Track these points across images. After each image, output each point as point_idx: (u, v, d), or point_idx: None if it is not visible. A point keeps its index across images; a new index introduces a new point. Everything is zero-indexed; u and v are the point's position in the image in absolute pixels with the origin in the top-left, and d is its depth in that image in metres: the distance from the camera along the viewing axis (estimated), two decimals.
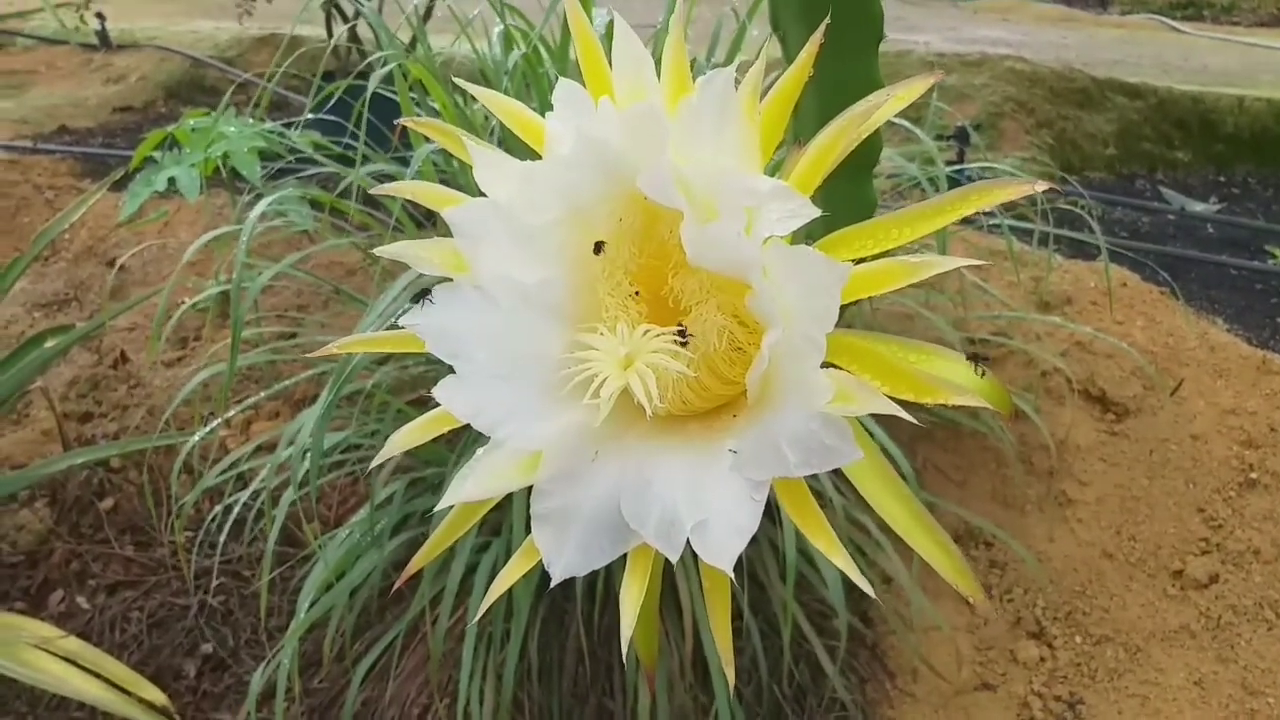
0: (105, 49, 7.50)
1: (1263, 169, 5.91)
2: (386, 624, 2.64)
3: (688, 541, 0.73)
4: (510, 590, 0.83)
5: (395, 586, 0.86)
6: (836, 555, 0.72)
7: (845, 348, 0.79)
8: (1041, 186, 0.76)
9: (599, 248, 0.85)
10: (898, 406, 0.68)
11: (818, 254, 0.71)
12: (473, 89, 0.84)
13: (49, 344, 3.27)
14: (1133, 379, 3.07)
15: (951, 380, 0.80)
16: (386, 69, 2.29)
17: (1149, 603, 2.76)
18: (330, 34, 5.24)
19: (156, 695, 2.71)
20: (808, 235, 0.82)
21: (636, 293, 0.86)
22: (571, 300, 0.84)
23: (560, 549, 0.78)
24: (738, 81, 0.77)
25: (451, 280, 0.82)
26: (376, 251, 0.81)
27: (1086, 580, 2.80)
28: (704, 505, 0.74)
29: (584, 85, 0.81)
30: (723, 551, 0.72)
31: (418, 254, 0.82)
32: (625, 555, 0.80)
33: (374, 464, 0.85)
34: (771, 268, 0.73)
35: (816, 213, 0.71)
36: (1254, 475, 2.91)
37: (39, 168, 5.45)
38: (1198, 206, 5.20)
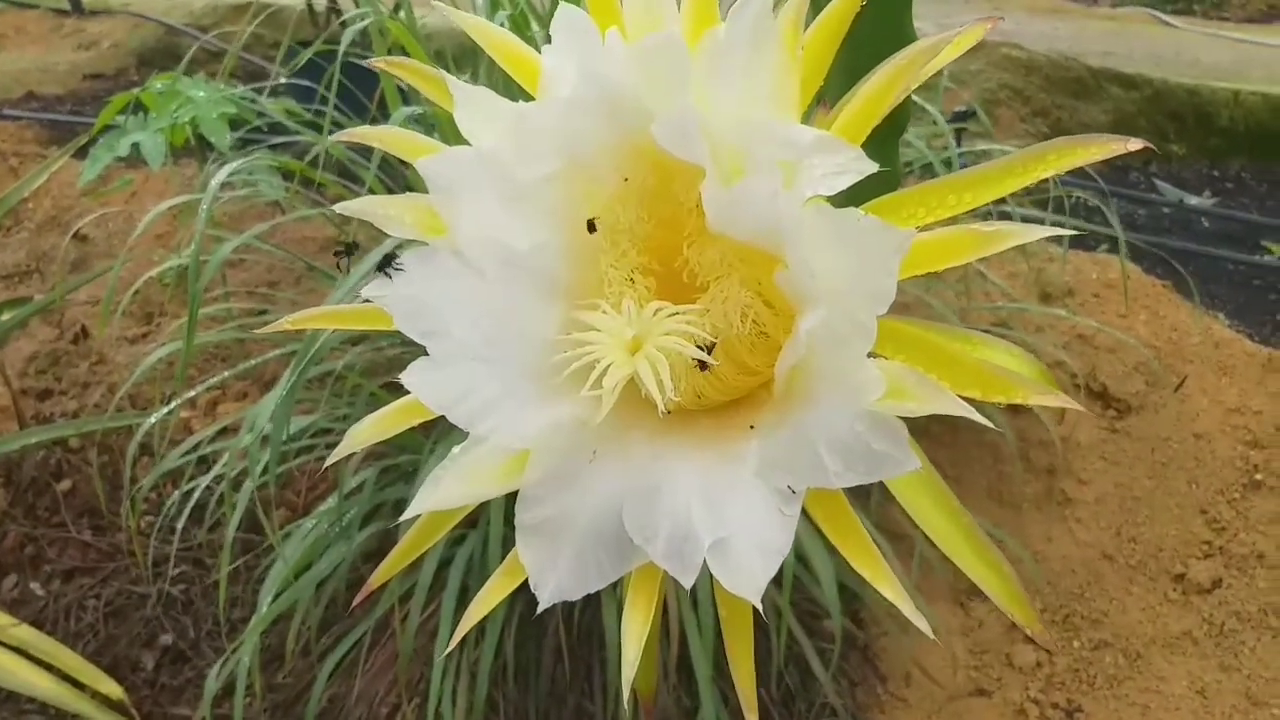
0: (77, 14, 7.26)
1: (1257, 163, 5.83)
2: (355, 618, 2.51)
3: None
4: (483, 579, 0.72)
5: (355, 602, 0.73)
6: (886, 585, 0.60)
7: (889, 334, 0.66)
8: (1136, 144, 0.63)
9: (592, 226, 0.72)
10: (969, 407, 0.56)
11: (871, 218, 0.58)
12: (456, 14, 0.70)
13: (3, 317, 3.12)
14: (1135, 374, 2.98)
15: (1018, 373, 0.68)
16: (360, 25, 2.14)
17: (1150, 607, 2.66)
18: (310, 4, 5.07)
19: (113, 688, 2.57)
20: None
21: (645, 265, 0.73)
22: (569, 271, 0.71)
23: (550, 567, 0.65)
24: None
25: (426, 244, 0.69)
26: (337, 208, 0.68)
27: (1085, 583, 2.71)
28: (724, 519, 0.62)
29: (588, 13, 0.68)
30: (748, 577, 0.59)
31: (386, 212, 0.69)
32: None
33: (332, 459, 0.72)
34: (811, 235, 0.61)
35: (872, 167, 0.58)
36: (1259, 476, 2.82)
37: (3, 134, 5.25)
38: (1194, 200, 5.12)
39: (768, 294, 0.71)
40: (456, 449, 0.67)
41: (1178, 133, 5.91)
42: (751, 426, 0.71)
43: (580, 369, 0.65)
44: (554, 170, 0.68)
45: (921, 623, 0.58)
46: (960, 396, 0.59)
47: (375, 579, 0.75)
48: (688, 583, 0.61)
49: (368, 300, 0.67)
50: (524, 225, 0.69)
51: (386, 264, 0.67)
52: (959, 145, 3.81)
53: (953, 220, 0.71)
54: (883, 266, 0.58)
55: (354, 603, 0.75)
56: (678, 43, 0.63)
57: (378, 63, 0.84)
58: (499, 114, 0.67)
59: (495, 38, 0.71)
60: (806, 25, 0.68)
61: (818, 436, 0.60)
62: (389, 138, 0.72)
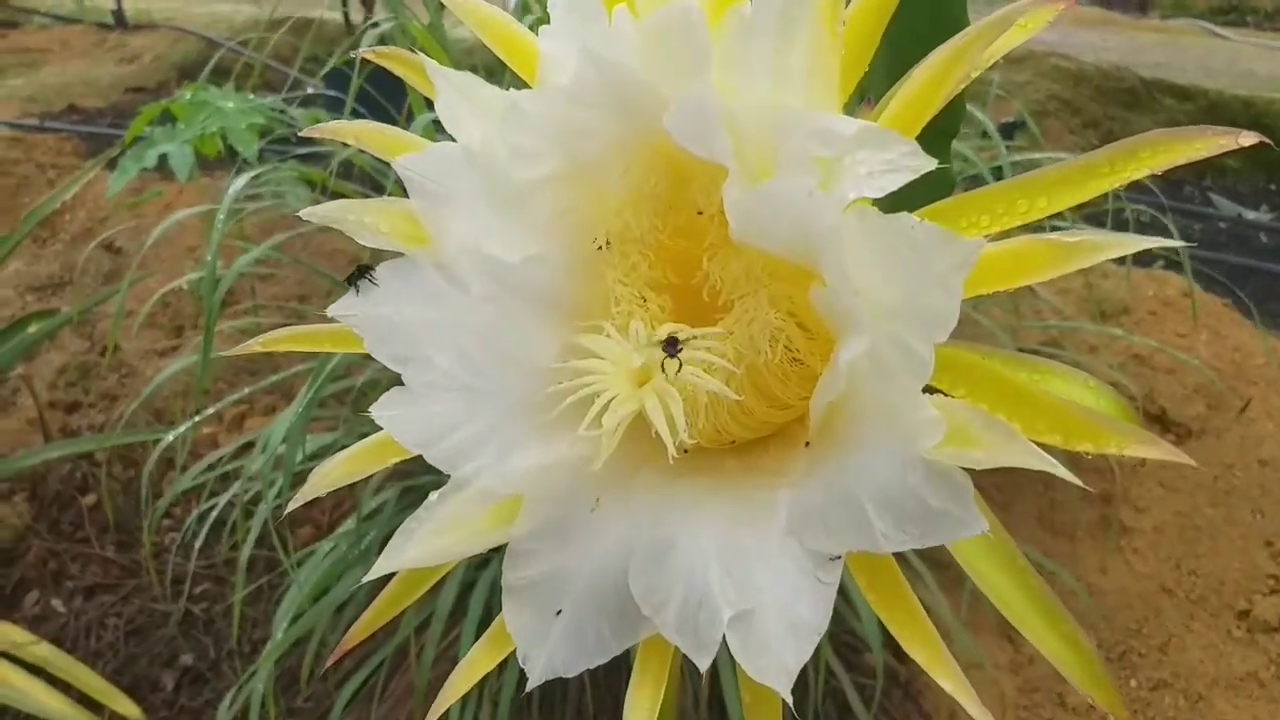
0: (120, 29, 7.34)
1: None
2: (376, 643, 2.42)
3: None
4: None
5: (331, 661, 0.64)
6: (945, 675, 0.49)
7: (944, 362, 0.55)
8: (1249, 138, 0.53)
9: (603, 243, 0.62)
10: (1051, 460, 0.46)
11: (929, 226, 0.48)
12: None
13: (32, 329, 3.08)
14: (1196, 397, 2.82)
15: (1098, 410, 0.57)
16: (378, 31, 2.06)
17: (1212, 645, 2.51)
18: (346, 16, 5.06)
19: (131, 709, 2.51)
20: None
21: (659, 280, 0.63)
22: (569, 287, 0.62)
23: (542, 637, 0.55)
24: None
25: (404, 255, 0.59)
26: (303, 214, 0.58)
27: (1143, 617, 2.56)
28: (748, 587, 0.51)
29: None
30: (776, 660, 0.49)
31: (359, 218, 0.59)
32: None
33: (295, 503, 0.63)
34: (854, 245, 0.50)
35: (929, 164, 0.48)
36: None
37: (43, 146, 5.28)
38: (1251, 214, 4.93)
39: (801, 315, 0.61)
40: (434, 495, 0.57)
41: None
42: (788, 455, 0.61)
43: (580, 403, 0.55)
44: (553, 171, 0.59)
45: None
46: (1036, 443, 0.49)
47: (350, 638, 0.65)
48: (703, 663, 0.50)
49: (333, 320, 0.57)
50: (518, 234, 0.59)
51: (359, 275, 0.58)
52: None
53: (1004, 234, 0.61)
54: (942, 284, 0.47)
55: (329, 661, 0.66)
56: (696, 18, 0.53)
57: (365, 54, 0.75)
58: (488, 104, 0.57)
59: (483, 14, 0.61)
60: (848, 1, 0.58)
61: (862, 489, 0.50)
62: (364, 133, 0.63)
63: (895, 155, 0.49)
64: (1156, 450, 0.47)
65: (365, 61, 2.27)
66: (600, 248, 0.60)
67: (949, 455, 0.48)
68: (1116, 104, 5.40)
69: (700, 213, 0.63)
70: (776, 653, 0.49)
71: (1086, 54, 6.19)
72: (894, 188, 0.49)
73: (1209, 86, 5.84)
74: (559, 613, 0.55)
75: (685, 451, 0.59)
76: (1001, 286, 0.52)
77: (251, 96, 3.11)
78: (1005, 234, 0.61)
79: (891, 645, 2.44)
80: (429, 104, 2.07)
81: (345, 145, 2.40)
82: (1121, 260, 2.93)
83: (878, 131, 0.51)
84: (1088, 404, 0.66)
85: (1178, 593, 2.60)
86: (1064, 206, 0.56)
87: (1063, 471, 0.45)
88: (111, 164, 3.28)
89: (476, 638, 1.96)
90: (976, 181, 2.33)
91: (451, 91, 0.57)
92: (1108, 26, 9.24)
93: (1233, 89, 5.95)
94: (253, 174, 2.04)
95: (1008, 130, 3.81)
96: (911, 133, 0.56)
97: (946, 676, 0.49)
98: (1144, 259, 3.40)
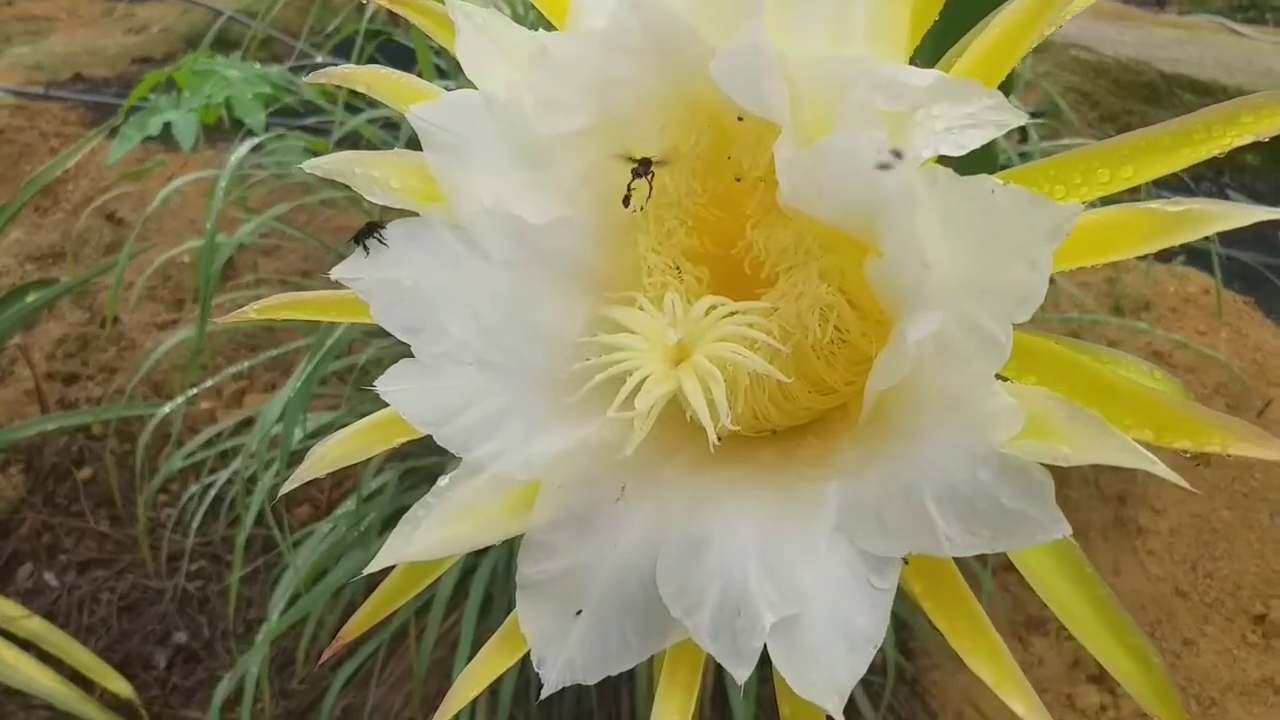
0: None
1: None
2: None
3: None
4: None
5: (326, 656, 0.58)
6: (1016, 695, 0.44)
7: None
8: None
9: (628, 200, 0.56)
10: (1152, 457, 0.40)
11: (1015, 189, 0.42)
12: None
13: (30, 298, 3.03)
14: (1216, 396, 2.77)
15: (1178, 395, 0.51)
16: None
17: (1226, 650, 2.46)
18: None
19: (123, 687, 2.47)
20: None
21: (696, 249, 0.58)
22: (598, 254, 0.56)
23: (560, 639, 0.50)
24: None
25: (417, 215, 0.54)
26: (306, 166, 0.53)
27: (1156, 620, 2.51)
28: (792, 589, 0.46)
29: None
30: (825, 674, 0.43)
31: (368, 172, 0.54)
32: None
33: (289, 485, 0.57)
34: (926, 212, 0.45)
35: (1021, 118, 0.42)
36: None
37: (47, 115, 5.22)
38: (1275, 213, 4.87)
39: (851, 290, 0.55)
40: (444, 480, 0.51)
41: (1252, 142, 5.64)
42: (834, 443, 0.55)
43: (608, 381, 0.49)
44: (583, 124, 0.53)
45: None
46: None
47: (345, 634, 0.60)
48: (741, 675, 0.45)
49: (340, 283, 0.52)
50: (542, 194, 0.53)
51: (367, 234, 0.53)
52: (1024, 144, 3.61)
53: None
54: (1027, 256, 0.42)
55: (323, 656, 0.61)
56: None
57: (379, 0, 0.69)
58: (514, 48, 0.52)
59: None
60: None
61: (923, 484, 0.45)
62: (377, 79, 0.57)
63: (977, 109, 0.43)
64: (1268, 449, 0.41)
65: (373, 33, 2.19)
66: (633, 211, 0.55)
67: (1028, 449, 0.42)
68: (1135, 98, 5.33)
69: (739, 179, 0.58)
70: (826, 666, 0.43)
71: (1105, 47, 6.10)
72: (976, 145, 0.43)
73: (1228, 83, 5.76)
74: (579, 613, 0.50)
75: (719, 439, 0.54)
76: (1091, 261, 0.46)
77: (258, 66, 3.05)
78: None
79: (898, 641, 2.40)
80: (440, 72, 2.00)
81: (352, 115, 2.33)
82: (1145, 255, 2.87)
83: (955, 83, 0.45)
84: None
85: (1192, 596, 2.55)
86: (1152, 177, 0.50)
87: (1163, 469, 0.40)
88: (114, 133, 3.22)
89: (477, 622, 1.91)
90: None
91: (473, 32, 0.51)
92: (1126, 21, 9.12)
93: (1252, 86, 5.87)
94: (256, 142, 1.97)
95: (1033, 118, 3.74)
96: (995, 80, 0.50)
97: (1018, 698, 0.44)
98: (1165, 253, 3.33)
